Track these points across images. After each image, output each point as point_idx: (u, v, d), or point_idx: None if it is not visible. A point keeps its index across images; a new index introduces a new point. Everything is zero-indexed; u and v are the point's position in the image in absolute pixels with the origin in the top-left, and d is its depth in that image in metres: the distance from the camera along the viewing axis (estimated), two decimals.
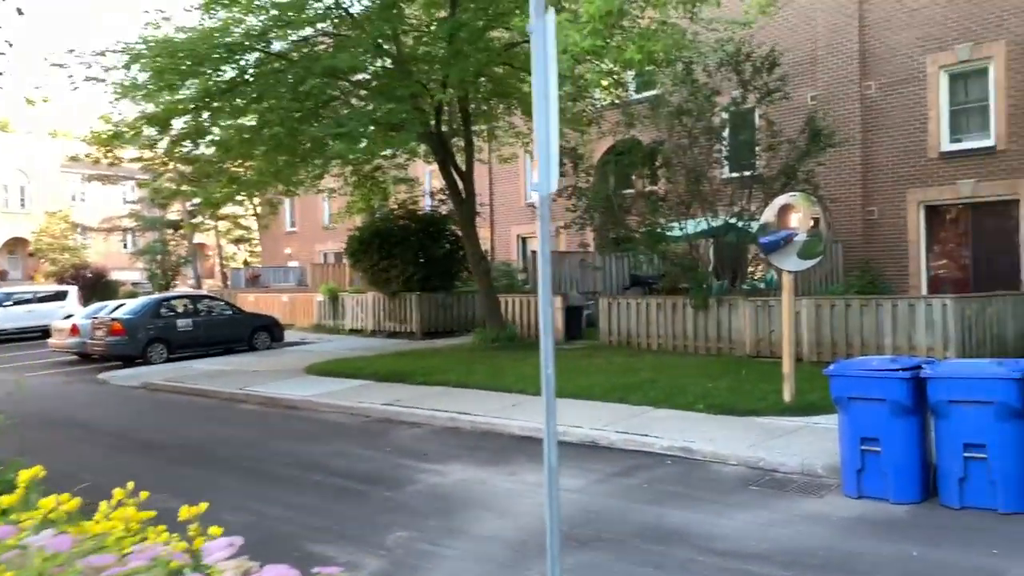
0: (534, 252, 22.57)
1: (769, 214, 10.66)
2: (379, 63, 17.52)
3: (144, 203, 43.40)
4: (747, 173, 17.28)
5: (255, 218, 42.70)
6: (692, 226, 16.65)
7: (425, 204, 25.77)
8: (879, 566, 5.50)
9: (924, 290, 18.56)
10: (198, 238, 46.19)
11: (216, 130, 18.17)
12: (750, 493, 7.33)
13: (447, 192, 19.25)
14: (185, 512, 2.36)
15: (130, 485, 2.82)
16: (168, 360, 19.64)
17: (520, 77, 17.53)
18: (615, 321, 17.25)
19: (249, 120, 17.94)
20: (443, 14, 16.61)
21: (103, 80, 16.34)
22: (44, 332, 24.55)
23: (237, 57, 16.09)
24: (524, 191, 28.42)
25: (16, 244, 48.52)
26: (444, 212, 22.08)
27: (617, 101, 19.53)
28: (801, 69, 20.11)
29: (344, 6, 16.56)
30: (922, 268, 19.04)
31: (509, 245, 30.02)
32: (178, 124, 17.60)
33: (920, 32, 18.70)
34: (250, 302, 28.39)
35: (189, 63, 15.30)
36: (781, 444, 8.55)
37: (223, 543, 1.93)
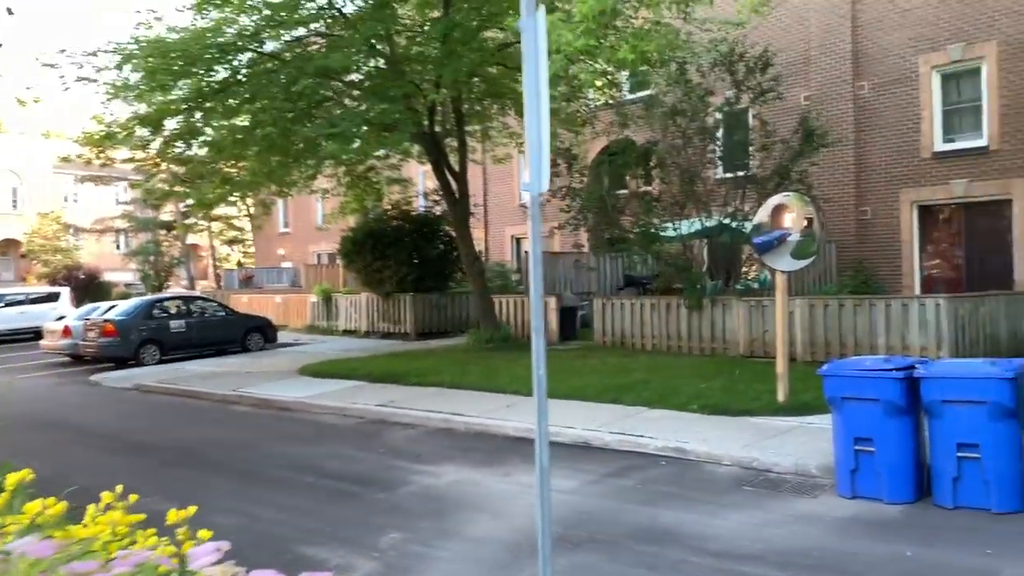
0: (528, 253, 22.55)
1: (763, 214, 10.66)
2: (372, 63, 17.48)
3: (137, 204, 43.24)
4: (741, 173, 17.29)
5: (248, 219, 42.59)
6: (686, 226, 16.66)
7: (419, 205, 25.76)
8: (873, 566, 5.49)
9: (917, 290, 18.59)
10: (191, 239, 46.08)
11: (209, 130, 18.12)
12: (744, 493, 7.32)
13: (441, 193, 19.23)
14: (173, 516, 2.33)
15: (119, 488, 2.79)
16: (161, 361, 19.57)
17: (514, 77, 17.50)
18: (609, 321, 17.24)
19: (242, 120, 17.89)
20: (436, 14, 16.58)
21: (95, 80, 16.28)
22: (36, 334, 24.46)
23: (230, 57, 16.05)
24: (518, 191, 28.41)
25: (8, 245, 48.30)
26: (438, 213, 22.06)
27: (611, 101, 19.52)
28: (794, 69, 20.14)
29: (337, 6, 16.53)
30: (915, 268, 19.08)
31: (503, 246, 30.00)
32: (171, 124, 17.55)
33: (912, 32, 18.74)
34: (243, 303, 28.32)
35: (181, 63, 15.25)
36: (775, 444, 8.54)
37: (210, 548, 1.91)
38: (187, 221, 41.53)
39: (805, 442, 8.51)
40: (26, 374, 19.47)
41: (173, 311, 21.03)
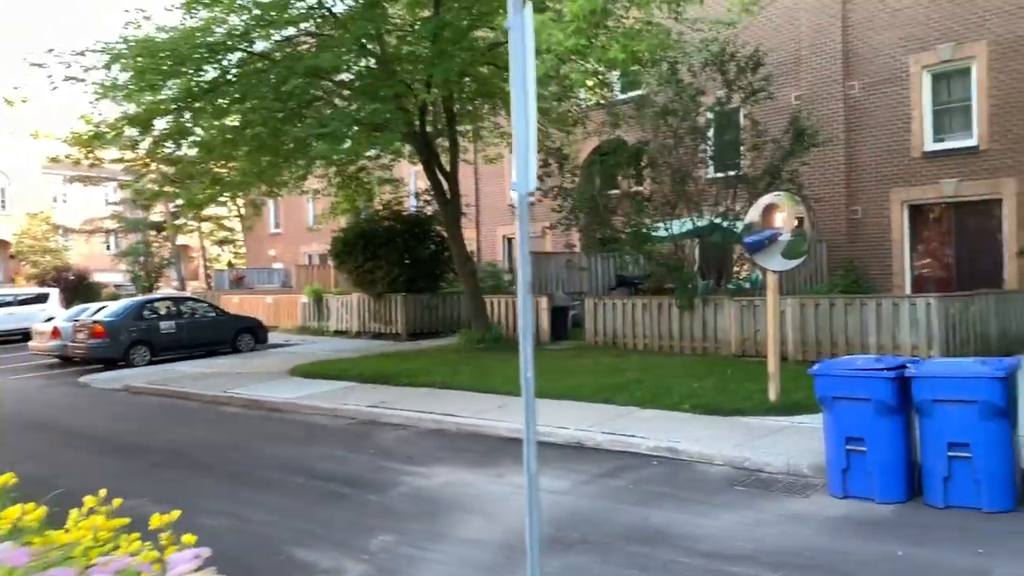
0: None
1: (754, 214, 10.66)
2: (363, 63, 17.42)
3: (126, 205, 43.06)
4: (732, 173, 17.29)
5: (239, 219, 42.45)
6: (677, 226, 16.66)
7: (410, 205, 25.68)
8: (865, 566, 5.48)
9: (908, 289, 18.65)
10: (182, 240, 45.89)
11: (199, 131, 18.02)
12: (736, 493, 7.31)
13: (432, 193, 19.18)
14: (157, 520, 2.29)
15: (102, 492, 2.75)
16: (151, 362, 19.47)
17: (504, 77, 17.45)
18: (601, 321, 17.23)
19: (232, 120, 17.80)
20: (427, 14, 16.53)
21: (83, 80, 16.18)
22: (25, 335, 24.32)
23: (219, 57, 15.97)
24: (509, 191, 28.39)
25: None
26: (429, 213, 22.02)
27: (602, 101, 19.52)
28: (785, 69, 20.18)
29: (327, 6, 16.47)
30: (906, 267, 19.14)
31: (495, 246, 29.98)
32: (160, 124, 17.45)
33: (903, 32, 18.79)
34: (234, 304, 28.21)
35: (170, 63, 15.16)
36: (767, 444, 8.53)
37: (189, 555, 1.87)
38: (177, 222, 41.34)
39: (797, 441, 8.51)
40: (14, 376, 19.35)
41: (163, 312, 20.92)
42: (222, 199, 28.43)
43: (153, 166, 24.60)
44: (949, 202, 18.48)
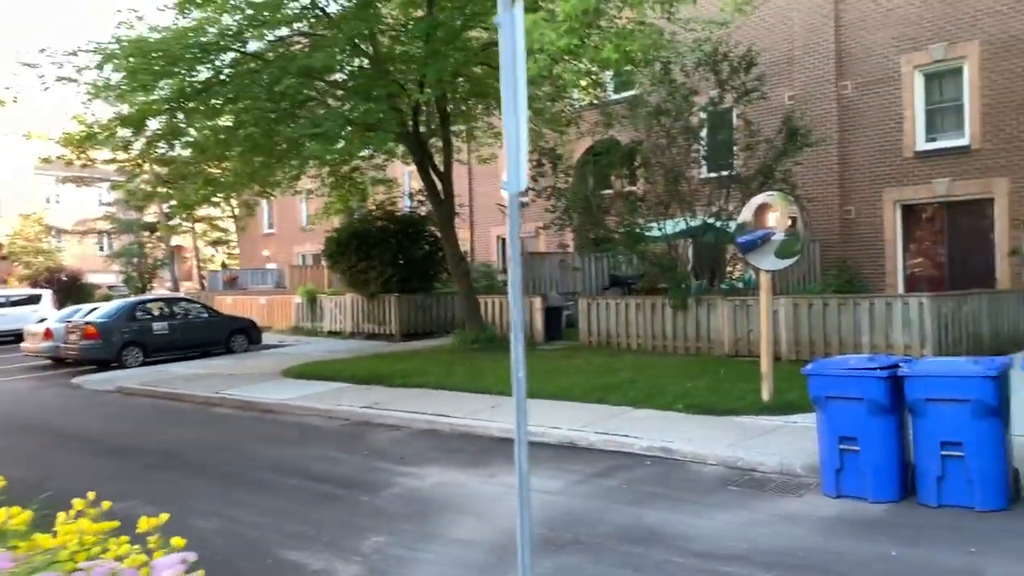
0: None
1: (747, 213, 10.67)
2: (356, 63, 17.40)
3: (120, 205, 42.92)
4: (725, 173, 17.33)
5: (232, 220, 42.35)
6: (671, 226, 16.67)
7: (404, 205, 25.66)
8: (858, 566, 5.48)
9: (901, 289, 18.69)
10: (175, 240, 45.77)
11: (191, 131, 17.98)
12: (729, 493, 7.31)
13: (426, 193, 19.15)
14: (145, 523, 2.27)
15: (91, 495, 2.73)
16: (144, 364, 19.42)
17: (498, 77, 17.36)
18: (595, 321, 17.23)
19: (224, 121, 17.76)
20: (420, 13, 16.51)
21: (75, 80, 16.13)
22: (17, 336, 24.20)
23: (212, 57, 15.92)
24: (500, 191, 28.34)
25: None
26: (423, 213, 21.98)
27: (595, 101, 19.52)
28: (778, 69, 20.21)
29: (320, 6, 16.43)
30: (899, 267, 19.18)
31: (489, 246, 29.96)
32: (153, 125, 17.40)
33: (895, 32, 18.83)
34: (227, 304, 28.16)
35: (163, 63, 15.11)
36: (760, 443, 8.54)
37: (174, 559, 1.85)
38: (170, 222, 41.25)
39: (790, 441, 8.51)
40: (6, 377, 19.27)
41: (156, 313, 20.87)
42: (215, 200, 28.36)
43: (146, 167, 24.56)
44: (941, 202, 18.52)
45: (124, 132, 17.23)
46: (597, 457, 8.79)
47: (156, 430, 12.17)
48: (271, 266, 40.14)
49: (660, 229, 16.61)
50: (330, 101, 17.73)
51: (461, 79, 17.55)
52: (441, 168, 18.48)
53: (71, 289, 37.60)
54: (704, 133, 17.73)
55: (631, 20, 14.15)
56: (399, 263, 21.73)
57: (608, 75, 19.36)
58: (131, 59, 15.01)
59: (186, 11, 15.52)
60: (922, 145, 18.67)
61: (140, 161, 22.00)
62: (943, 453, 6.50)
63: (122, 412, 14.14)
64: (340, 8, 16.49)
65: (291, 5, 15.94)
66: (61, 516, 2.52)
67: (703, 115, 17.37)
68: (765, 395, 10.21)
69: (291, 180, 21.11)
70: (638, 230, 16.67)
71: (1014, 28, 17.21)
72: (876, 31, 19.13)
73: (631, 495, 7.40)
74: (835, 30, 19.72)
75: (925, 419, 6.60)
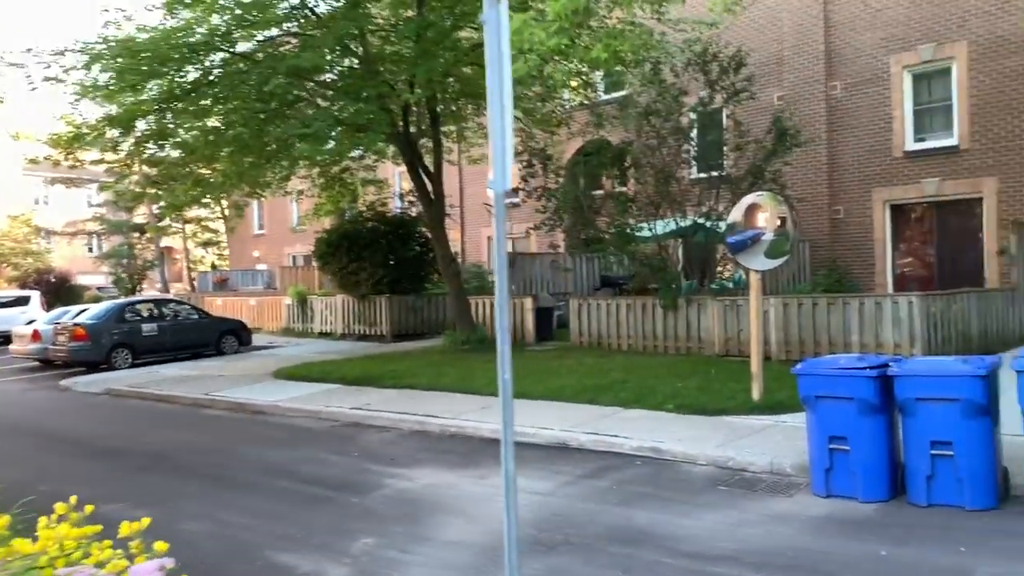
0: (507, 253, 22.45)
1: (737, 214, 10.68)
2: (345, 63, 17.35)
3: (109, 207, 42.71)
4: (715, 173, 17.35)
5: (222, 221, 42.20)
6: (661, 226, 16.68)
7: (394, 206, 25.61)
8: (848, 565, 5.48)
9: (890, 288, 18.75)
10: (165, 241, 45.56)
11: (181, 131, 17.90)
12: (719, 493, 7.31)
13: (416, 193, 19.12)
14: (126, 528, 2.24)
15: (72, 499, 2.70)
16: (133, 365, 19.32)
17: None
18: (585, 322, 17.23)
19: (214, 121, 17.68)
20: (410, 14, 16.48)
21: (63, 81, 16.02)
22: (5, 338, 24.05)
23: (200, 57, 15.85)
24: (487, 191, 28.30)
25: None
26: (413, 214, 21.94)
27: (586, 102, 19.53)
28: (767, 69, 20.26)
29: (310, 6, 16.39)
30: (888, 266, 19.24)
31: (480, 247, 29.94)
32: (141, 125, 17.32)
33: (884, 33, 18.90)
34: (218, 306, 28.05)
35: (151, 63, 15.03)
36: (750, 443, 8.54)
37: (153, 566, 1.82)
38: (160, 223, 41.06)
39: (780, 441, 8.52)
40: None
41: (145, 314, 20.75)
42: (205, 200, 28.31)
43: (135, 168, 24.44)
44: (931, 201, 18.60)
45: (112, 133, 17.15)
46: (588, 457, 8.78)
47: (146, 432, 12.10)
48: (261, 267, 40.01)
49: (650, 229, 16.62)
50: (320, 101, 17.67)
51: (451, 79, 17.52)
52: (431, 169, 18.44)
53: (60, 290, 37.41)
54: (694, 133, 17.75)
55: (621, 20, 14.15)
56: (390, 264, 21.69)
57: (598, 75, 19.38)
58: (119, 59, 14.93)
59: (174, 11, 15.44)
60: (911, 145, 18.74)
61: (129, 162, 21.90)
62: (933, 452, 6.51)
63: (112, 414, 14.06)
64: (329, 8, 16.45)
65: (280, 5, 15.90)
66: (43, 520, 2.49)
67: (693, 115, 17.39)
68: (755, 395, 10.22)
69: (281, 181, 21.05)
70: (628, 230, 16.67)
71: (1002, 28, 17.29)
72: (865, 32, 19.20)
73: (621, 495, 7.39)
74: (824, 31, 19.78)
75: (915, 418, 6.61)
